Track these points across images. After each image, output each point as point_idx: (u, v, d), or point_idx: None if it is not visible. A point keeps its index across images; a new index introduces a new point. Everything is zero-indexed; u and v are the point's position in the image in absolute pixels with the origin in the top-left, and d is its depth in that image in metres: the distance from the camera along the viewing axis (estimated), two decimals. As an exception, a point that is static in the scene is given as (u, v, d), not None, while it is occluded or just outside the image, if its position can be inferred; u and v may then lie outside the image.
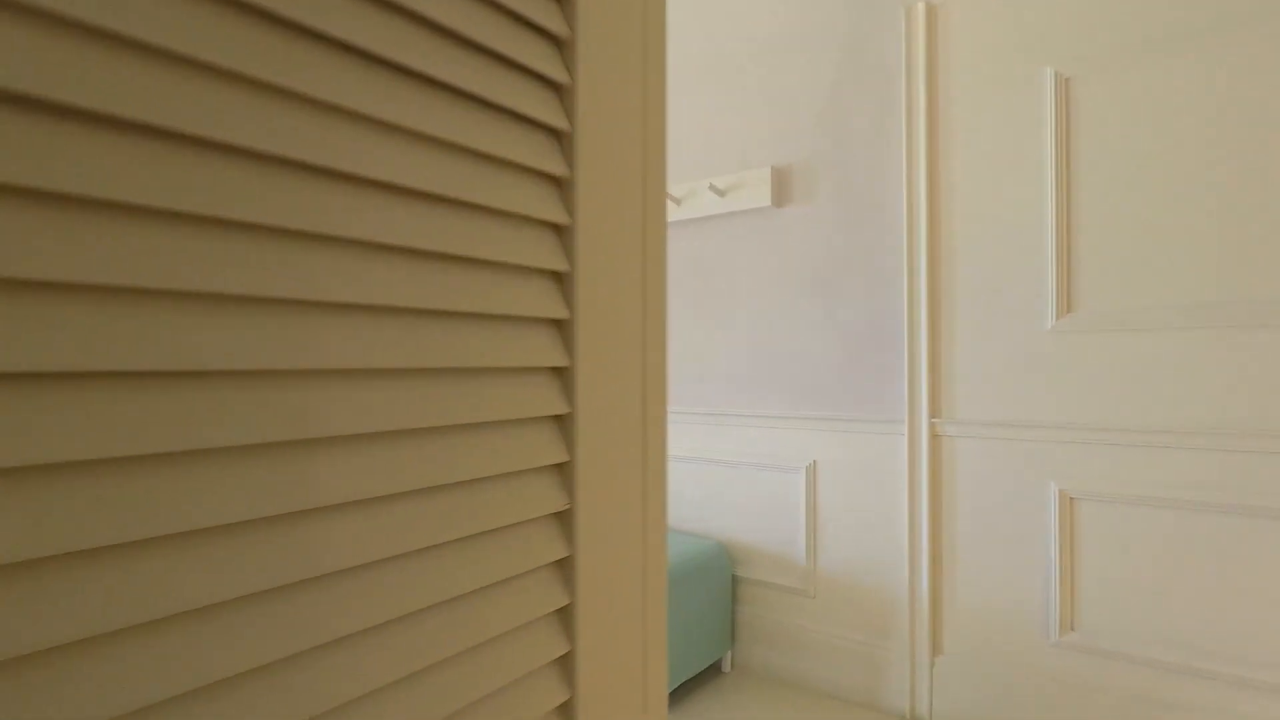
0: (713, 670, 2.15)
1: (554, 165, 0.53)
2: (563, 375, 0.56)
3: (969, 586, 1.77)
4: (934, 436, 1.81)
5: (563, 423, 0.56)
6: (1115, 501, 1.57)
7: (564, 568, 0.54)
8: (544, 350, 0.54)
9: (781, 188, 2.15)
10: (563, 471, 0.55)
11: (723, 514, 2.24)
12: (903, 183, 1.88)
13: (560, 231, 0.56)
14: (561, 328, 0.57)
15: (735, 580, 2.20)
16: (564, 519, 0.54)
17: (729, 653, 2.15)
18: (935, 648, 1.82)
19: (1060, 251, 1.64)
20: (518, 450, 0.51)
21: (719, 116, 2.29)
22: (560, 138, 0.55)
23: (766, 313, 2.16)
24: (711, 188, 2.22)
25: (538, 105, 0.51)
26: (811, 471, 2.04)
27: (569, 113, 0.54)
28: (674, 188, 2.35)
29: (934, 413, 1.82)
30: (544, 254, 0.53)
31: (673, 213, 2.35)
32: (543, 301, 0.54)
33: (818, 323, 2.05)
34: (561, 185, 0.55)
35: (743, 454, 2.19)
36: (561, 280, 0.56)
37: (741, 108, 2.24)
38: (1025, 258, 1.70)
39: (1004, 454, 1.71)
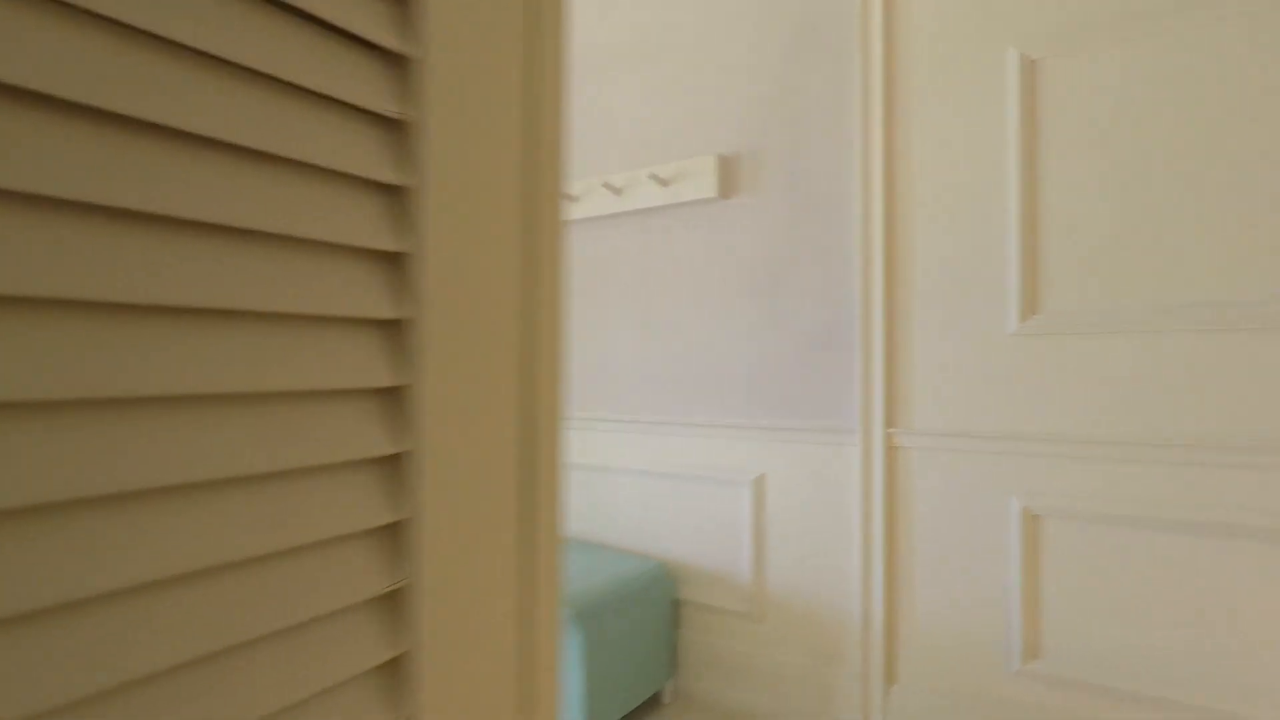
0: (652, 703, 1.97)
1: (382, 98, 0.35)
2: (394, 397, 0.38)
3: (926, 610, 1.64)
4: (890, 448, 1.68)
5: (395, 464, 0.37)
6: (1082, 519, 1.45)
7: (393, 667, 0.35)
8: (363, 365, 0.35)
9: (728, 178, 1.99)
10: (395, 535, 0.37)
11: (665, 531, 2.06)
12: (857, 174, 1.74)
13: (396, 196, 0.37)
14: (393, 331, 0.38)
15: (678, 603, 2.03)
16: (395, 603, 0.36)
17: (670, 683, 1.98)
18: (890, 676, 1.68)
19: (1025, 249, 1.53)
20: (322, 509, 0.33)
21: (663, 101, 2.12)
22: (400, 64, 0.37)
23: (713, 312, 1.99)
24: (653, 177, 2.04)
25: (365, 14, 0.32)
26: (759, 485, 1.89)
27: (414, 30, 0.36)
28: (614, 177, 2.17)
29: (890, 422, 1.68)
30: (366, 226, 0.35)
31: (613, 204, 2.17)
32: (363, 295, 0.35)
33: (767, 324, 1.90)
34: (400, 131, 0.37)
35: (687, 466, 2.02)
36: (398, 264, 0.38)
37: (686, 92, 2.07)
38: (988, 255, 1.57)
39: (964, 467, 1.59)
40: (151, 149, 0.26)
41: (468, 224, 0.39)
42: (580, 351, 2.28)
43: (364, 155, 0.34)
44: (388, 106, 0.35)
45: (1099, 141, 1.45)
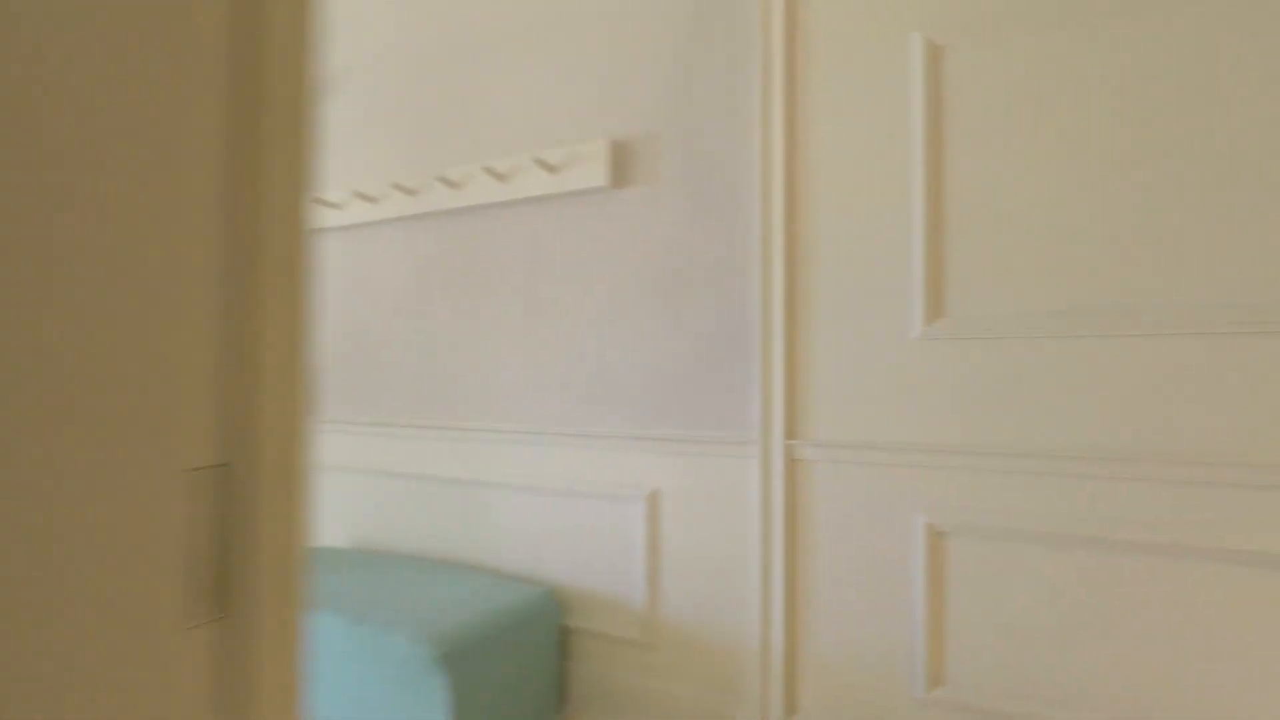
0: (537, 743, 1.79)
1: None
2: None
3: (829, 635, 1.52)
4: (790, 460, 1.55)
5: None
6: (990, 536, 1.37)
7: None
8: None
9: (621, 165, 1.83)
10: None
11: (552, 553, 1.88)
12: (758, 163, 1.61)
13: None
14: None
15: (565, 632, 1.85)
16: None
17: (558, 718, 1.80)
18: (790, 707, 1.56)
19: (929, 247, 1.43)
20: None
21: (551, 82, 1.93)
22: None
23: (606, 313, 1.82)
24: (539, 163, 1.85)
25: None
26: (653, 501, 1.73)
27: None
28: (499, 162, 1.96)
29: (791, 433, 1.55)
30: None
31: (497, 192, 1.97)
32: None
33: (662, 326, 1.74)
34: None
35: (576, 481, 1.84)
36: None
37: (576, 72, 1.89)
38: (892, 253, 1.47)
39: (867, 481, 1.48)
40: None
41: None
42: (460, 355, 2.06)
43: None
44: None
45: (1008, 135, 1.37)
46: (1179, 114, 1.23)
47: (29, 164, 0.29)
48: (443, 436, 2.07)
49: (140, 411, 0.32)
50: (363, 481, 2.23)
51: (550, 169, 1.87)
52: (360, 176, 2.30)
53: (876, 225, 1.48)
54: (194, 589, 0.35)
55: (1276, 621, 1.16)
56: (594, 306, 1.84)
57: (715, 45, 1.69)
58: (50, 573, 0.29)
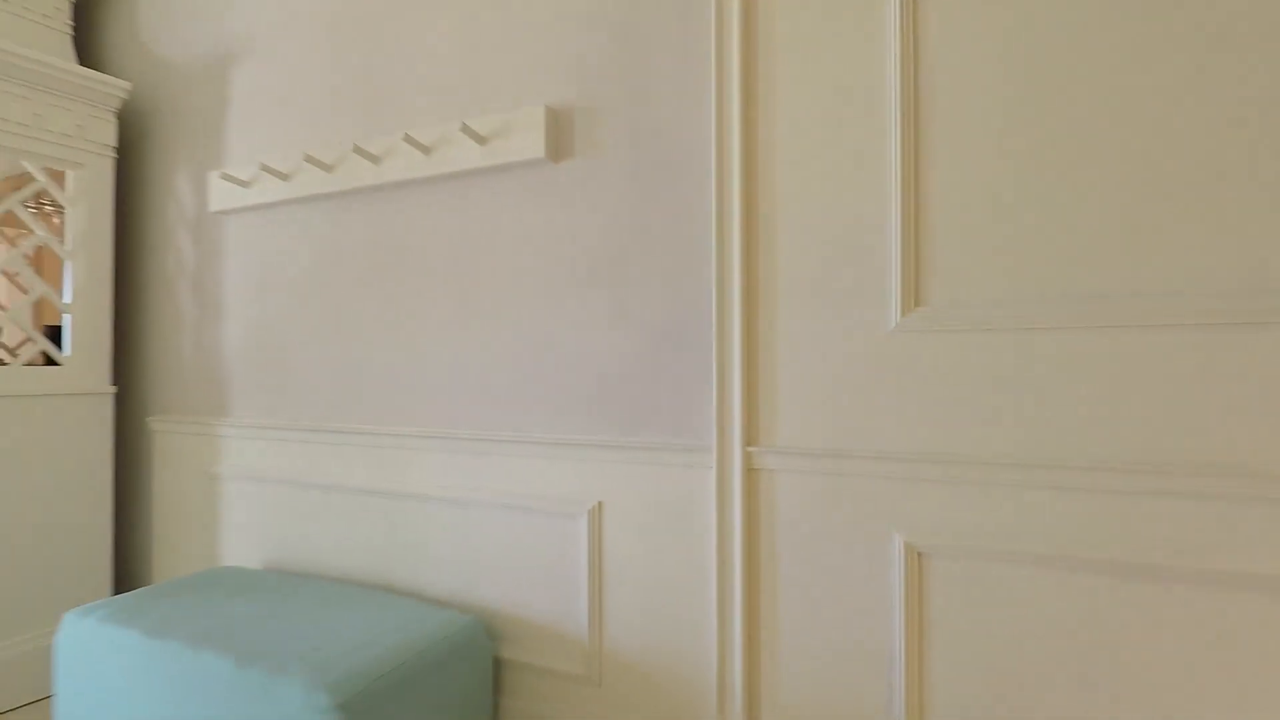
0: (465, 793, 1.57)
1: None
2: None
3: (794, 670, 1.33)
4: (750, 470, 1.36)
5: None
6: (977, 558, 1.19)
7: None
8: None
9: (559, 135, 1.61)
10: None
11: (484, 574, 1.66)
12: (712, 133, 1.41)
13: None
14: None
15: (499, 665, 1.63)
16: None
17: (489, 765, 1.58)
18: (752, 751, 1.37)
19: (907, 223, 1.25)
20: None
21: (481, 39, 1.70)
22: None
23: (545, 304, 1.61)
24: (466, 130, 1.62)
25: None
26: (596, 516, 1.52)
27: None
28: (421, 131, 1.73)
29: (750, 439, 1.36)
30: None
31: (420, 165, 1.73)
32: None
33: (606, 318, 1.53)
34: None
35: (511, 493, 1.62)
36: None
37: (509, 28, 1.67)
38: (864, 232, 1.28)
39: (838, 494, 1.29)
40: None
41: None
42: (379, 352, 1.83)
43: None
44: None
45: (998, 93, 1.19)
46: (1206, 61, 1.06)
47: None
48: (361, 442, 1.83)
49: None
50: (275, 493, 1.98)
51: (480, 139, 1.64)
52: (269, 149, 2.04)
53: (846, 199, 1.30)
54: None
55: (1306, 656, 1.00)
56: (529, 296, 1.62)
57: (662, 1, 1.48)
58: None
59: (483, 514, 1.65)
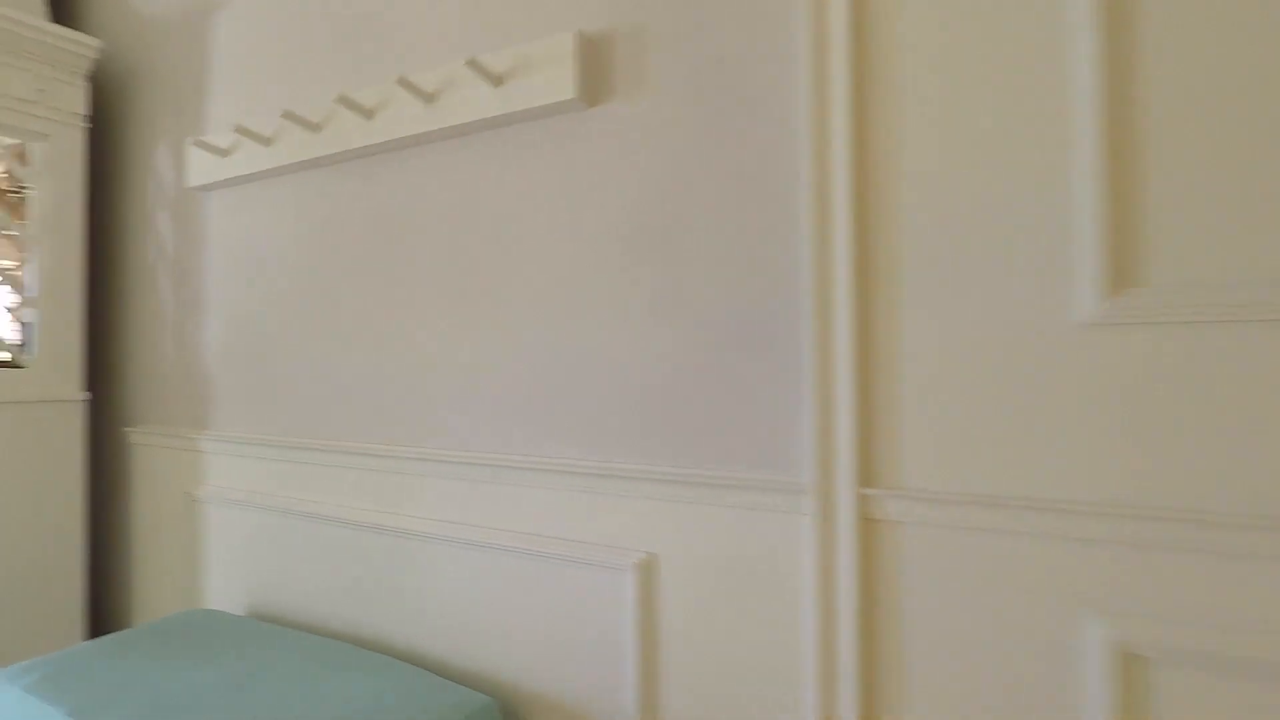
0: None
1: None
2: None
3: (930, 805, 0.94)
4: (866, 520, 0.97)
5: None
6: (1224, 667, 0.78)
7: None
8: None
9: (596, 70, 1.23)
10: None
11: (501, 638, 1.30)
12: (804, 59, 1.01)
13: None
14: None
15: (522, 756, 1.28)
16: None
17: None
18: None
19: (1112, 172, 0.84)
20: None
21: (494, -49, 1.33)
22: None
23: (573, 291, 1.24)
24: (474, 66, 1.26)
25: None
26: (647, 572, 1.15)
27: None
28: (421, 75, 1.37)
29: (867, 478, 0.97)
30: None
31: (420, 119, 1.37)
32: None
33: (658, 309, 1.16)
34: None
35: (534, 535, 1.26)
36: None
37: (530, -66, 1.29)
38: (1038, 186, 0.88)
39: (997, 559, 0.89)
40: None
41: None
42: (373, 353, 1.48)
43: None
44: None
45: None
46: None
47: None
48: (354, 464, 1.49)
49: None
50: (260, 521, 1.66)
51: (494, 79, 1.27)
52: (252, 111, 1.71)
53: (1014, 149, 0.89)
54: None
55: None
56: (555, 283, 1.26)
57: (736, -127, 1.09)
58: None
59: (499, 560, 1.30)
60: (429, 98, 1.36)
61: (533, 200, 1.28)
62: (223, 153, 1.70)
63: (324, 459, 1.53)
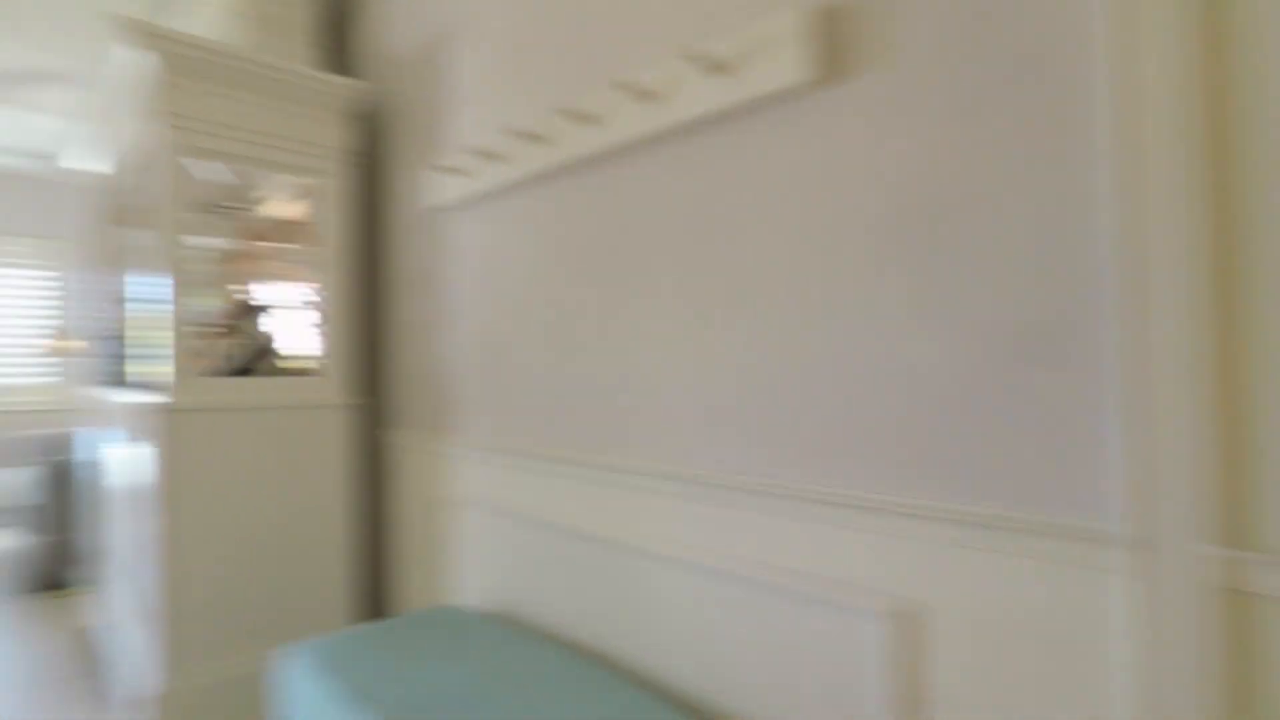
0: None
1: None
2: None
3: None
4: (1228, 593, 0.72)
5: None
6: None
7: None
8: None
9: (832, 44, 1.08)
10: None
11: (730, 671, 1.20)
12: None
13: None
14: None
15: (757, 806, 1.17)
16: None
17: None
18: None
19: None
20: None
21: (715, -69, 1.24)
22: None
23: (818, 295, 1.10)
24: (693, 57, 1.17)
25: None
26: (909, 627, 0.98)
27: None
28: (641, 73, 1.32)
29: (1231, 536, 0.72)
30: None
31: (641, 120, 1.32)
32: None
33: (921, 314, 0.98)
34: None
35: (767, 566, 1.14)
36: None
37: (754, -97, 1.18)
38: None
39: None
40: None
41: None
42: (603, 362, 1.46)
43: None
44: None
45: None
46: None
47: None
48: (581, 475, 1.48)
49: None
50: (502, 527, 1.73)
51: (719, 68, 1.18)
52: (483, 132, 1.79)
53: None
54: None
55: None
56: (800, 285, 1.13)
57: None
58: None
59: (728, 589, 1.20)
60: (649, 95, 1.30)
61: (769, 195, 1.17)
62: (459, 173, 1.80)
63: (549, 469, 1.55)
